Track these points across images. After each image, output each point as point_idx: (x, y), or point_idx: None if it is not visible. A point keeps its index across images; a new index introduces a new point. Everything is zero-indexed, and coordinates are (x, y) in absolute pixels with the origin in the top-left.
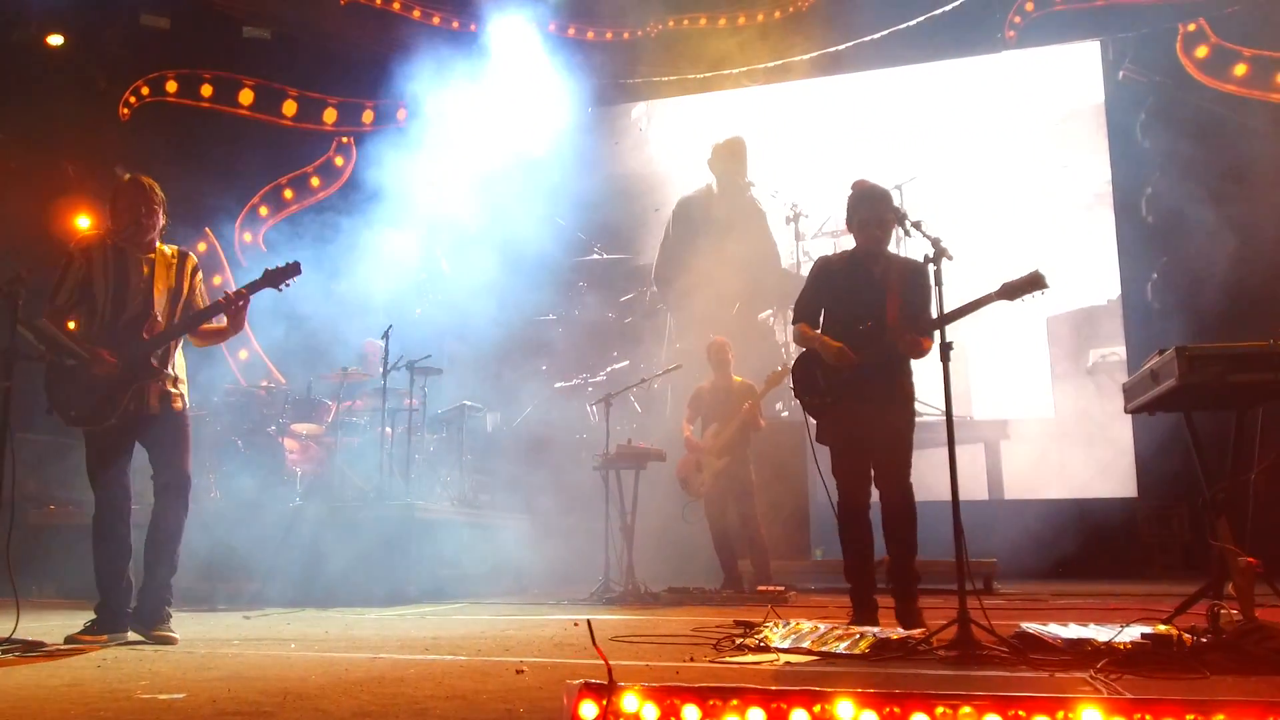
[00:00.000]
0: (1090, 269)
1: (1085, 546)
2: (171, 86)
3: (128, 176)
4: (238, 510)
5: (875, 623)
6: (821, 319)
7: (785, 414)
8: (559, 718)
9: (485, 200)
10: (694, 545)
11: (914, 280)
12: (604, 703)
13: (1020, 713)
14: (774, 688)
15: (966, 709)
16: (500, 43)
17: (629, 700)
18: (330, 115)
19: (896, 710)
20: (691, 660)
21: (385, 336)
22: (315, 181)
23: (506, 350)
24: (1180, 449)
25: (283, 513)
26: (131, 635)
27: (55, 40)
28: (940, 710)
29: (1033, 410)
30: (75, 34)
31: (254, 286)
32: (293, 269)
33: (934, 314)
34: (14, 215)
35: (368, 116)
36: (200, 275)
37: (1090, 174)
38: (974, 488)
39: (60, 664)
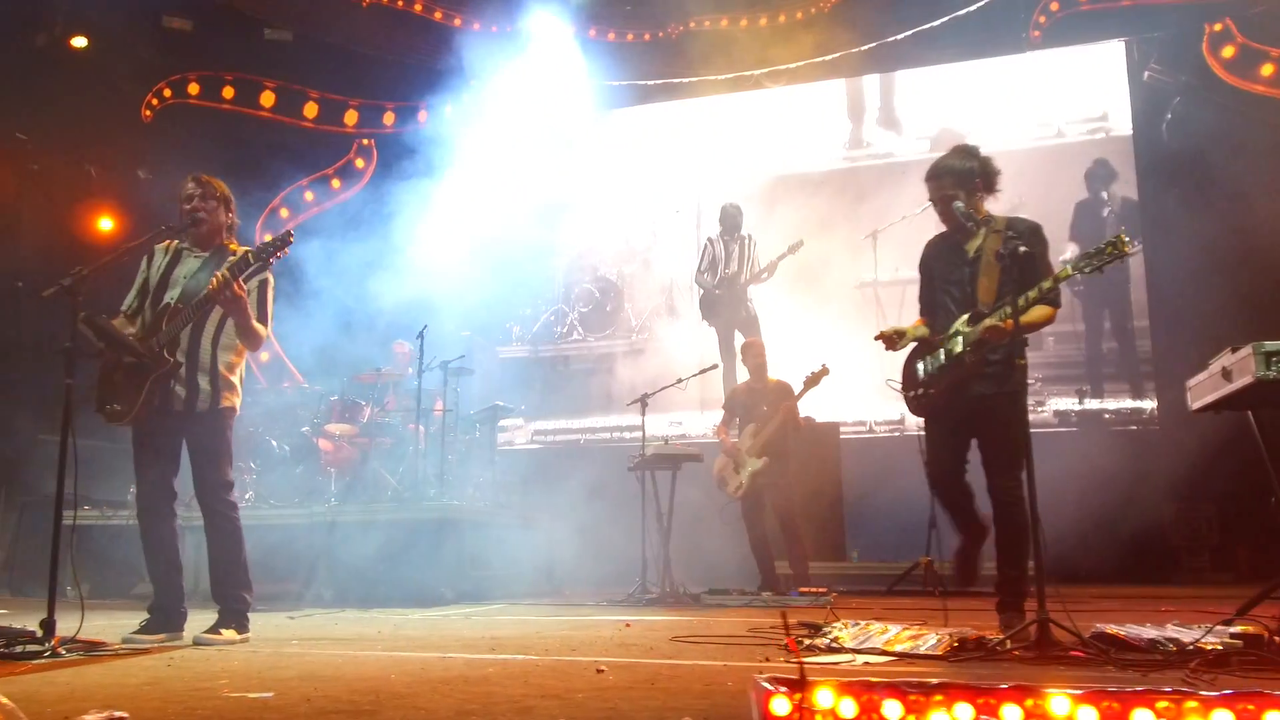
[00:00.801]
0: (1117, 271)
1: (1113, 550)
2: (193, 88)
3: (181, 178)
4: (274, 511)
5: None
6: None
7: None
8: (657, 718)
9: (506, 202)
10: (730, 546)
11: (1016, 247)
12: (797, 698)
13: (1249, 707)
14: (980, 683)
15: (1192, 703)
16: (522, 44)
17: (823, 695)
18: (351, 117)
19: (1116, 706)
20: (768, 660)
21: (420, 337)
22: (336, 183)
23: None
24: (1209, 451)
25: (318, 513)
26: (187, 635)
27: (79, 43)
28: (1163, 705)
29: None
30: (98, 36)
31: (238, 268)
32: (281, 240)
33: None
34: (38, 217)
35: (389, 118)
36: (258, 281)
37: (1115, 174)
38: None
39: (131, 663)
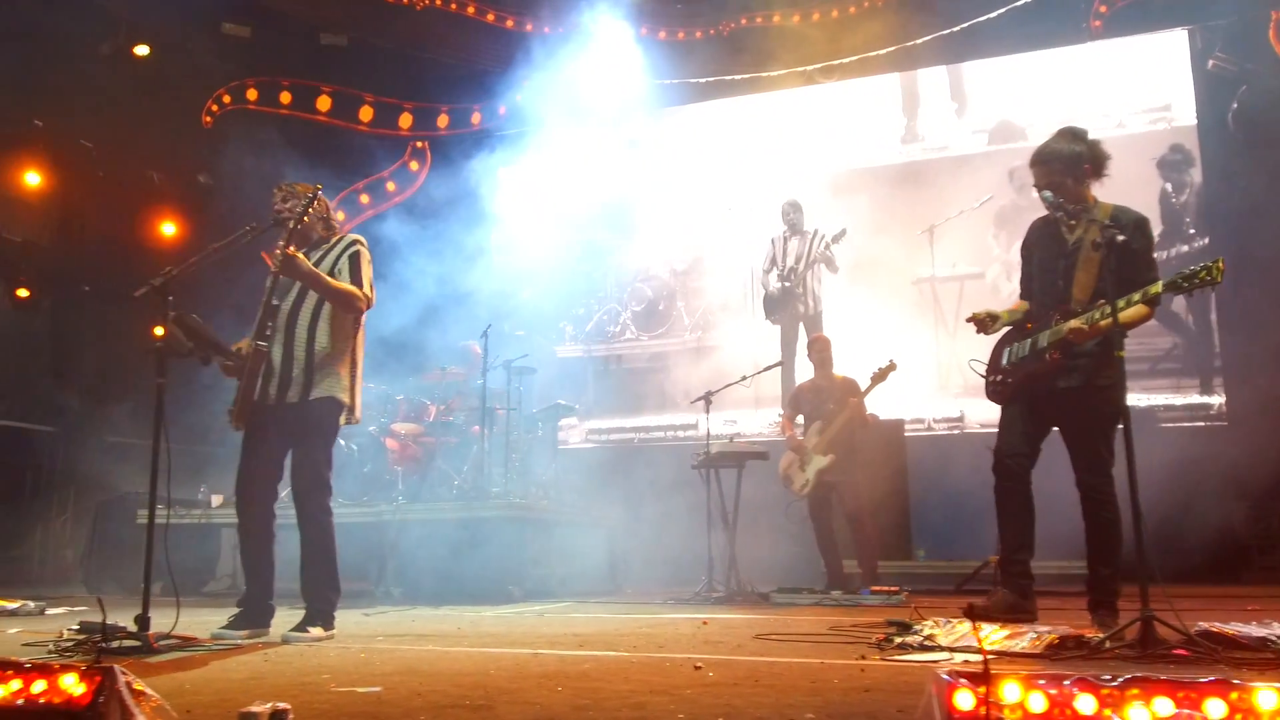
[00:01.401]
0: (1181, 263)
1: (1182, 548)
2: (252, 94)
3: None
4: (343, 510)
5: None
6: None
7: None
8: (771, 715)
9: (558, 202)
10: (794, 545)
11: (1114, 236)
12: (981, 692)
13: None
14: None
15: None
16: (575, 44)
17: (1010, 689)
18: (406, 120)
19: None
20: (864, 658)
21: (484, 336)
22: (391, 186)
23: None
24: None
25: (386, 512)
26: (272, 632)
27: (142, 51)
28: None
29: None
30: (160, 45)
31: (288, 239)
32: (310, 192)
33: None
34: (103, 222)
35: (442, 121)
36: (346, 256)
37: (1179, 165)
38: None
39: (229, 659)
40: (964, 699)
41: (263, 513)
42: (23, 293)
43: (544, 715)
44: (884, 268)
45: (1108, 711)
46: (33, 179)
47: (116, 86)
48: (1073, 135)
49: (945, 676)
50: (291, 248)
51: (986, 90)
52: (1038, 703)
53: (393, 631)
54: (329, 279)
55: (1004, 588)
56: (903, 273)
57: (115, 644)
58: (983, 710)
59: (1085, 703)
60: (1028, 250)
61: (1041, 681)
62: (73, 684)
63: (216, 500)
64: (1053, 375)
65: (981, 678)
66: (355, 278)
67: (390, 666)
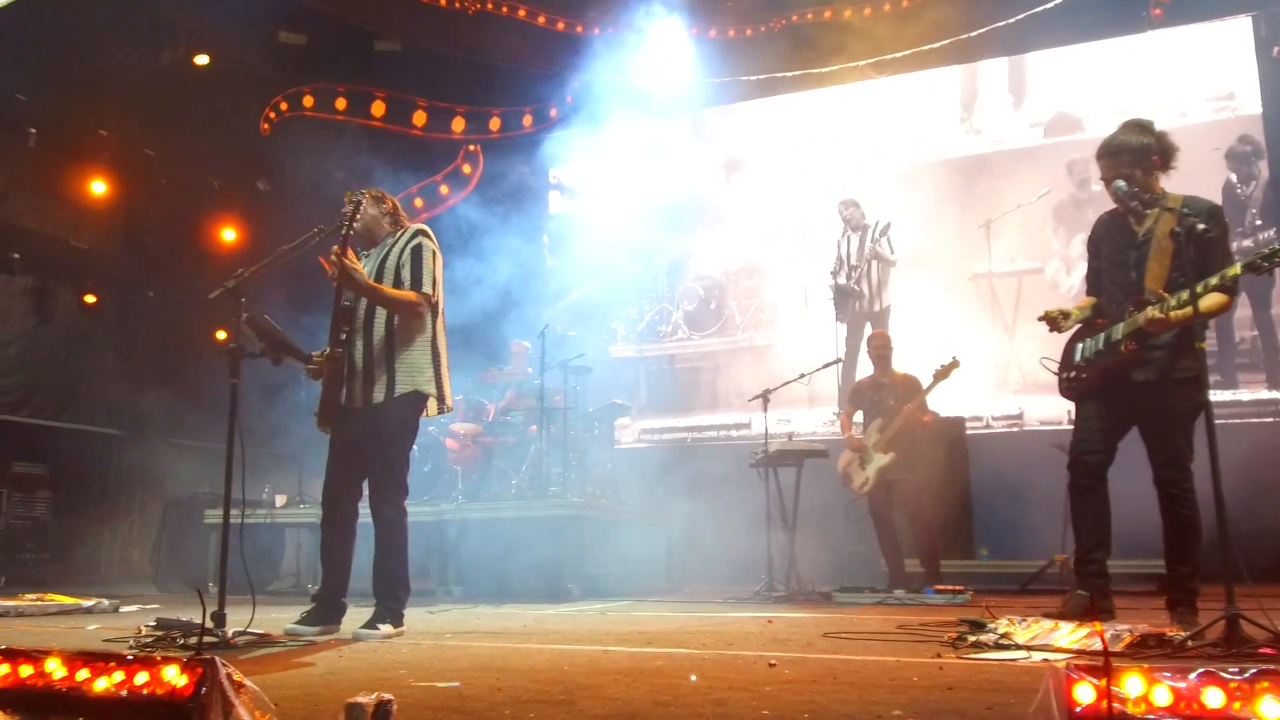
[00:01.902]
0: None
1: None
2: (308, 101)
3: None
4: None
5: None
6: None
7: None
8: (857, 711)
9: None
10: (853, 544)
11: (1194, 225)
12: (1102, 685)
13: None
14: None
15: None
16: (627, 45)
17: (1133, 682)
18: (459, 124)
19: None
20: (939, 656)
21: (541, 336)
22: (444, 189)
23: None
24: None
25: (447, 511)
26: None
27: (201, 60)
28: None
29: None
30: (219, 54)
31: (341, 246)
32: (353, 207)
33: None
34: (166, 228)
35: (495, 124)
36: (409, 250)
37: (1248, 157)
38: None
39: (306, 654)
40: (1084, 692)
41: (348, 511)
42: (90, 298)
43: (625, 711)
44: (941, 263)
45: (1236, 705)
46: (99, 187)
47: (177, 95)
48: (1140, 127)
49: (1066, 669)
50: (347, 259)
51: (1044, 82)
52: (1162, 696)
53: (460, 629)
54: (384, 290)
55: (1080, 588)
56: (960, 268)
57: (193, 639)
58: (1104, 704)
59: (1213, 696)
60: (1094, 245)
61: (1166, 675)
62: (175, 675)
63: (281, 500)
64: (1128, 368)
65: (1103, 670)
66: (415, 275)
67: (464, 662)
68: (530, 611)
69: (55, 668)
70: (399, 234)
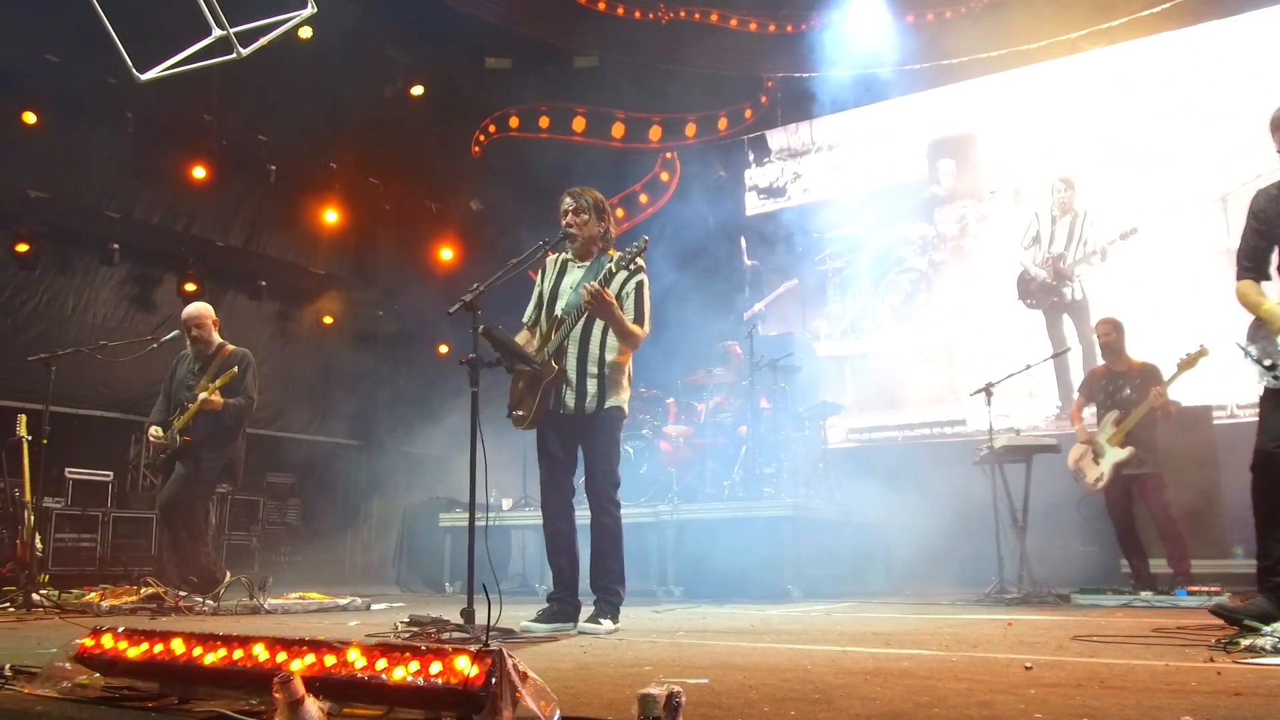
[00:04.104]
0: None
1: None
2: (514, 122)
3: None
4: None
5: None
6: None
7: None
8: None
9: (805, 198)
10: (1086, 543)
11: None
12: None
13: None
14: None
15: None
16: (819, 40)
17: None
18: (655, 132)
19: None
20: (1212, 660)
21: (749, 336)
22: (644, 198)
23: None
24: None
25: (664, 512)
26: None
27: (417, 90)
28: None
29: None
30: (432, 84)
31: (604, 279)
32: (638, 248)
33: None
34: (390, 251)
35: (690, 129)
36: (633, 284)
37: None
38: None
39: (550, 649)
40: None
41: (568, 513)
42: (328, 319)
43: (887, 710)
44: (1169, 241)
45: None
46: (331, 216)
47: (397, 126)
48: None
49: None
50: (606, 291)
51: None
52: None
53: (690, 628)
54: (626, 322)
55: (1262, 595)
56: (1191, 246)
57: (446, 636)
58: None
59: None
60: (1266, 221)
61: None
62: (466, 665)
63: (507, 503)
64: None
65: None
66: (638, 312)
67: (705, 660)
68: (753, 612)
69: (356, 657)
70: (616, 257)
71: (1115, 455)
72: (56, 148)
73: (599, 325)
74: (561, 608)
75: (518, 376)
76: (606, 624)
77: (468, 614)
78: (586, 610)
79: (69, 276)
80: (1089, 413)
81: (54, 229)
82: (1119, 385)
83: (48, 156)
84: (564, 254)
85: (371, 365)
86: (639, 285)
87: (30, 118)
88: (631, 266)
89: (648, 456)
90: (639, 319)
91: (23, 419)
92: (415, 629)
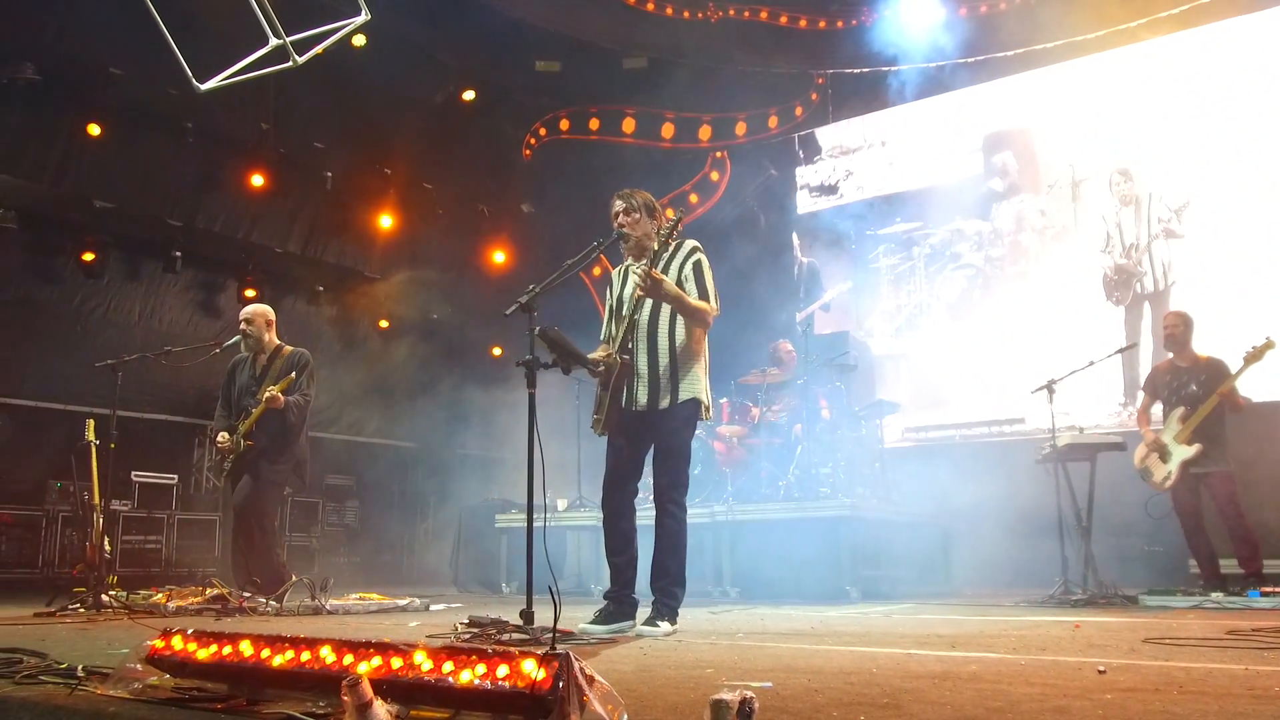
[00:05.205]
0: None
1: None
2: (564, 124)
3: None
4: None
5: None
6: None
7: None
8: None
9: (859, 192)
10: (1153, 543)
11: None
12: None
13: None
14: None
15: None
16: (869, 36)
17: None
18: (705, 132)
19: None
20: None
21: (803, 335)
22: (694, 198)
23: None
24: None
25: (719, 513)
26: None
27: (468, 96)
28: None
29: None
30: (482, 89)
31: (650, 261)
32: (673, 224)
33: None
34: (443, 254)
35: (740, 128)
36: (690, 264)
37: None
38: None
39: (612, 652)
40: None
41: (629, 513)
42: (384, 323)
43: (959, 716)
44: (1243, 231)
45: None
46: (385, 221)
47: (449, 131)
48: None
49: None
50: (654, 270)
51: None
52: None
53: (749, 629)
54: (687, 298)
55: None
56: (1266, 235)
57: (505, 637)
58: None
59: None
60: None
61: None
62: (533, 669)
63: (562, 504)
64: None
65: None
66: (701, 289)
67: (767, 662)
68: (812, 613)
69: (423, 660)
70: (671, 248)
71: (1183, 453)
72: (120, 158)
73: (665, 313)
74: (619, 607)
75: (601, 381)
76: (665, 625)
77: (527, 615)
78: (643, 611)
79: (135, 284)
80: (1155, 411)
81: (119, 238)
82: (1184, 381)
83: (112, 167)
84: (625, 262)
85: (427, 368)
86: (697, 264)
87: (95, 129)
88: (672, 241)
89: (702, 457)
90: (704, 295)
91: (91, 424)
92: (475, 630)
